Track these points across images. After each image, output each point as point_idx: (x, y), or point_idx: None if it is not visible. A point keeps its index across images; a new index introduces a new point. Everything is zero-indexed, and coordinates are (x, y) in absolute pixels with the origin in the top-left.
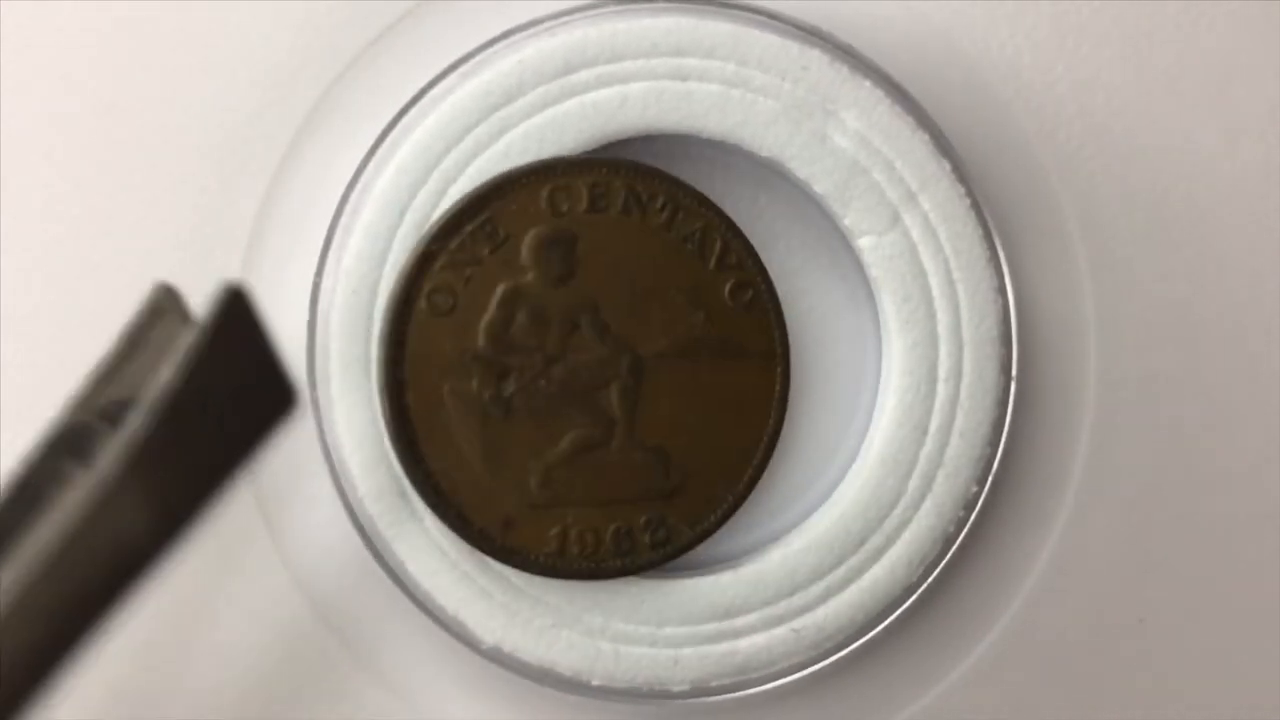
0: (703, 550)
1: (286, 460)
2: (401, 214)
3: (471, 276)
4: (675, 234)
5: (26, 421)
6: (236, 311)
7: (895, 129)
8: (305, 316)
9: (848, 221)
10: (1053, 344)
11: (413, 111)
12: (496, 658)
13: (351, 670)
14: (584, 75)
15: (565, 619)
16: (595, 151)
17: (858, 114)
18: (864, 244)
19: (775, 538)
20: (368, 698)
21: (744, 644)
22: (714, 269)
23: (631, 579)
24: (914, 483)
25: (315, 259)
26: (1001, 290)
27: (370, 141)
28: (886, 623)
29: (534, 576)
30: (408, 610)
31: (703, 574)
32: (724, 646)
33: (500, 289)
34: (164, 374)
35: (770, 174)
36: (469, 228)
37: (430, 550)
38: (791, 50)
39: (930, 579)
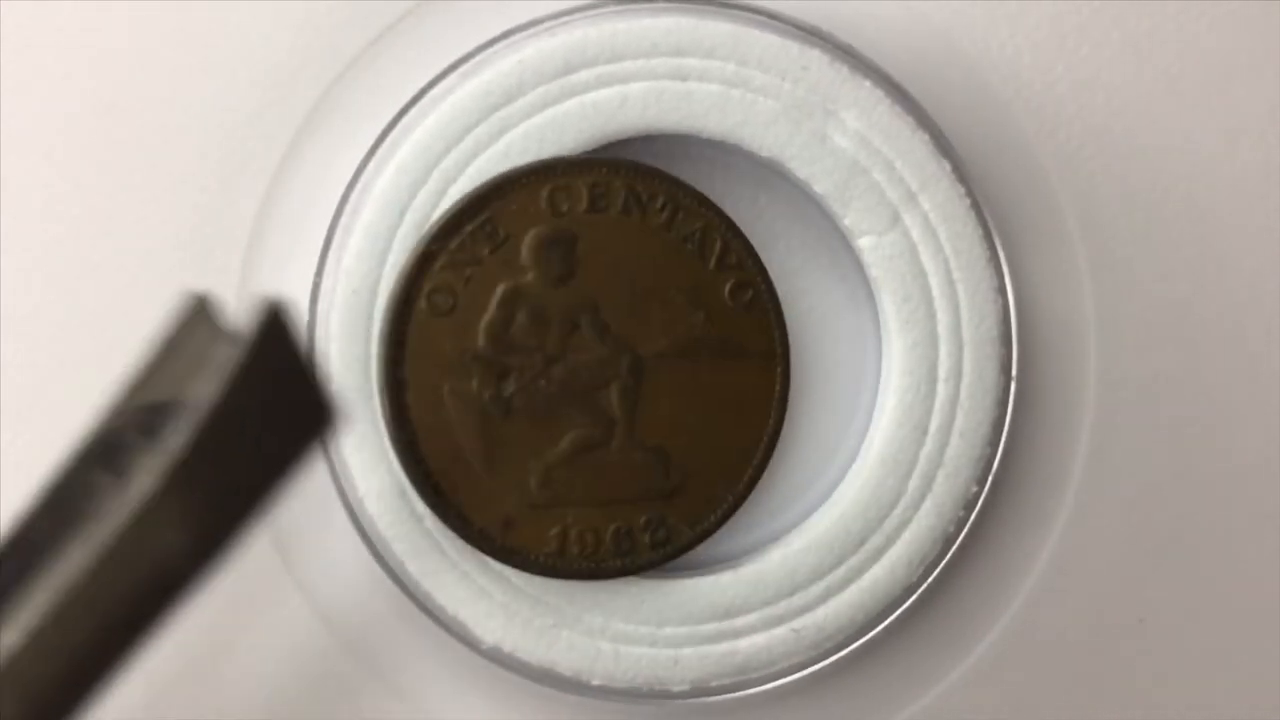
0: (703, 550)
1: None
2: (401, 214)
3: (471, 276)
4: (675, 234)
5: (26, 421)
6: (277, 328)
7: (895, 129)
8: (305, 316)
9: (848, 221)
10: (1053, 344)
11: (413, 111)
12: (496, 658)
13: (351, 670)
14: (584, 75)
15: (565, 619)
16: (595, 151)
17: (858, 114)
18: (864, 244)
19: (775, 538)
20: (367, 697)
21: (744, 644)
22: (714, 269)
23: (631, 579)
24: (914, 483)
25: (315, 259)
26: (1001, 290)
27: (370, 141)
28: (886, 623)
29: (534, 576)
30: (408, 610)
31: (703, 574)
32: (724, 646)
33: (500, 289)
34: (203, 389)
35: (770, 174)
36: (469, 228)
37: (430, 550)
38: (791, 50)
39: (930, 579)
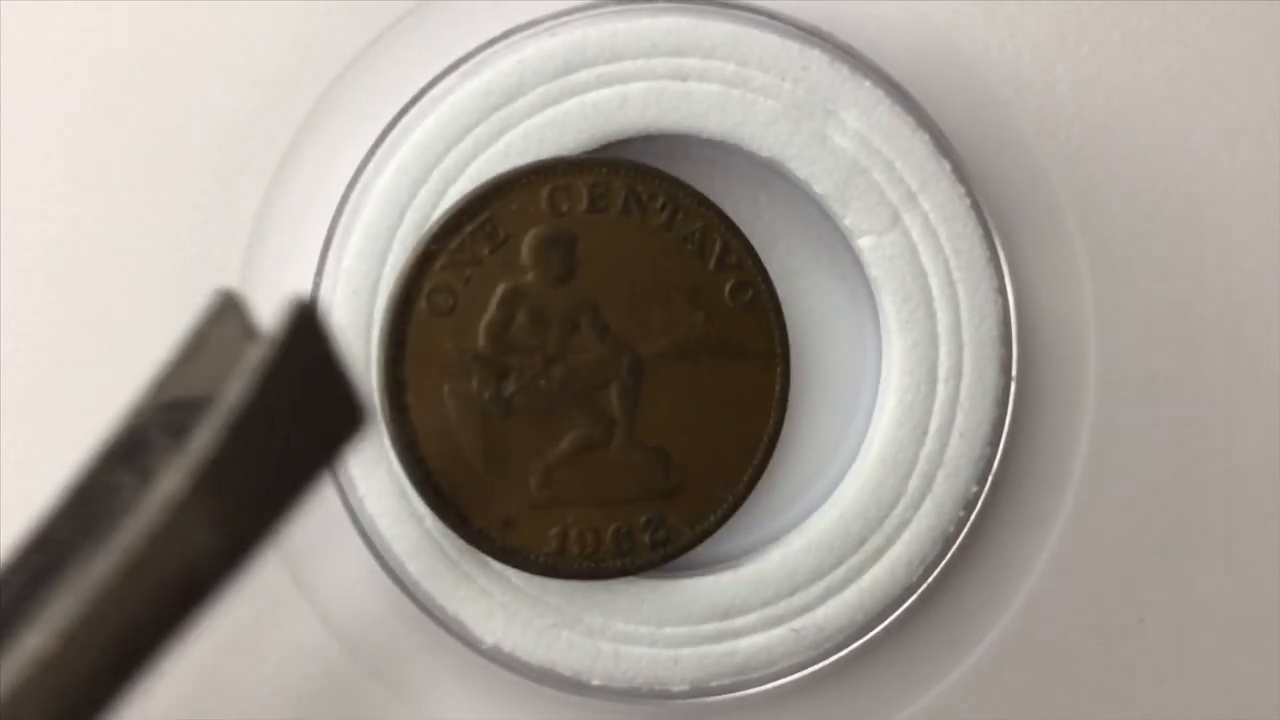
0: (703, 550)
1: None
2: (401, 214)
3: (471, 276)
4: (675, 234)
5: (27, 421)
6: (308, 327)
7: (895, 129)
8: None
9: (848, 221)
10: (1053, 344)
11: (413, 111)
12: (496, 658)
13: (351, 670)
14: (584, 75)
15: (565, 619)
16: (595, 151)
17: (858, 114)
18: (864, 244)
19: (775, 538)
20: (367, 696)
21: (744, 644)
22: (714, 269)
23: (631, 579)
24: (914, 483)
25: (315, 259)
26: (1001, 290)
27: (370, 141)
28: (886, 623)
29: (534, 576)
30: (408, 610)
31: (703, 574)
32: (724, 646)
33: (500, 289)
34: (232, 389)
35: (770, 174)
36: (469, 228)
37: (430, 550)
38: (791, 50)
39: (930, 579)
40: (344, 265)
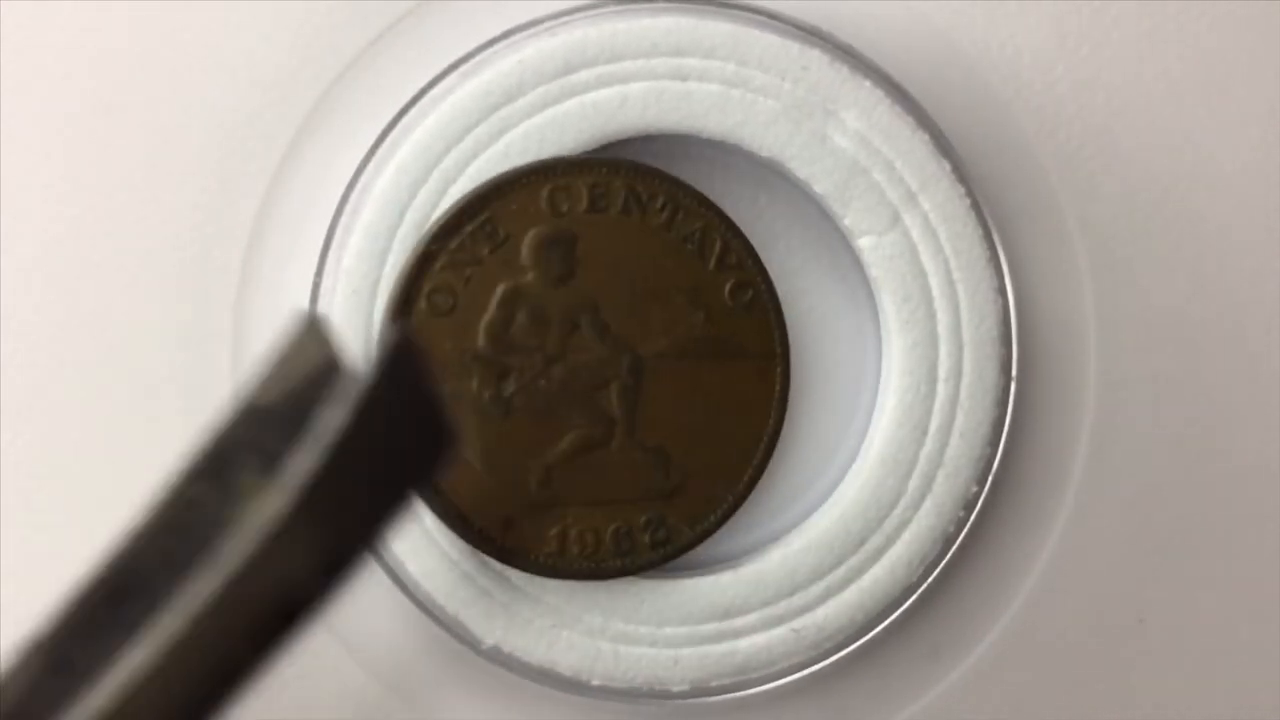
0: (703, 550)
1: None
2: (401, 214)
3: (471, 276)
4: (675, 234)
5: (26, 421)
6: (407, 358)
7: (895, 129)
8: None
9: (848, 221)
10: (1053, 344)
11: (413, 111)
12: (496, 658)
13: (351, 669)
14: (584, 75)
15: (565, 619)
16: (595, 151)
17: (858, 114)
18: (864, 244)
19: (775, 538)
20: (367, 697)
21: (744, 644)
22: (714, 269)
23: (631, 579)
24: (914, 483)
25: (315, 259)
26: (1001, 290)
27: (370, 141)
28: (886, 623)
29: (534, 576)
30: (408, 610)
31: (703, 574)
32: (724, 646)
33: (500, 289)
34: (332, 415)
35: (770, 174)
36: (469, 228)
37: (430, 550)
38: (791, 50)
39: (930, 579)
40: (344, 265)
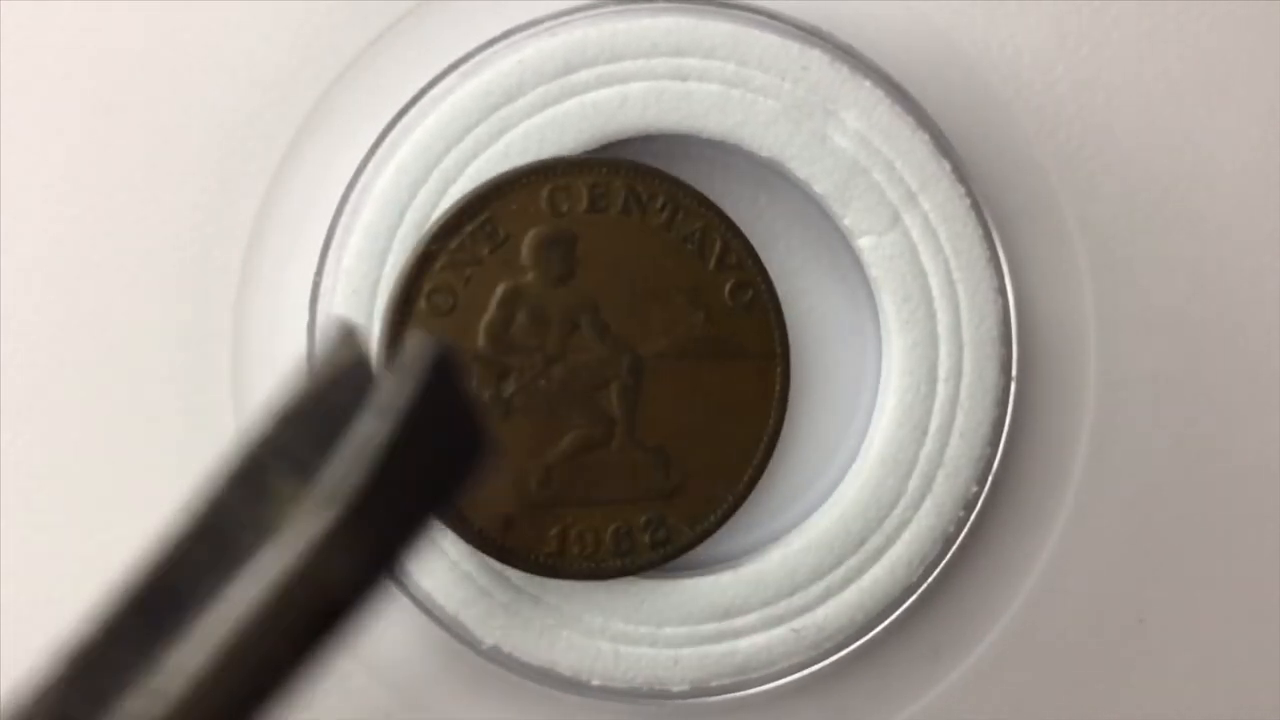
0: (703, 550)
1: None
2: (401, 214)
3: (471, 276)
4: (675, 234)
5: (26, 421)
6: (446, 369)
7: (895, 129)
8: (305, 316)
9: (848, 221)
10: (1053, 344)
11: (413, 111)
12: (496, 658)
13: (351, 670)
14: (584, 75)
15: (565, 619)
16: (595, 151)
17: (858, 114)
18: (864, 244)
19: (775, 538)
20: (367, 697)
21: (744, 644)
22: (714, 269)
23: (631, 579)
24: (914, 483)
25: (315, 259)
26: (1001, 290)
27: (370, 141)
28: (886, 623)
29: (534, 576)
30: (408, 610)
31: (703, 574)
32: (724, 646)
33: (500, 289)
34: (372, 426)
35: (770, 174)
36: (469, 228)
37: (430, 550)
38: (791, 50)
39: (930, 579)
40: (344, 265)
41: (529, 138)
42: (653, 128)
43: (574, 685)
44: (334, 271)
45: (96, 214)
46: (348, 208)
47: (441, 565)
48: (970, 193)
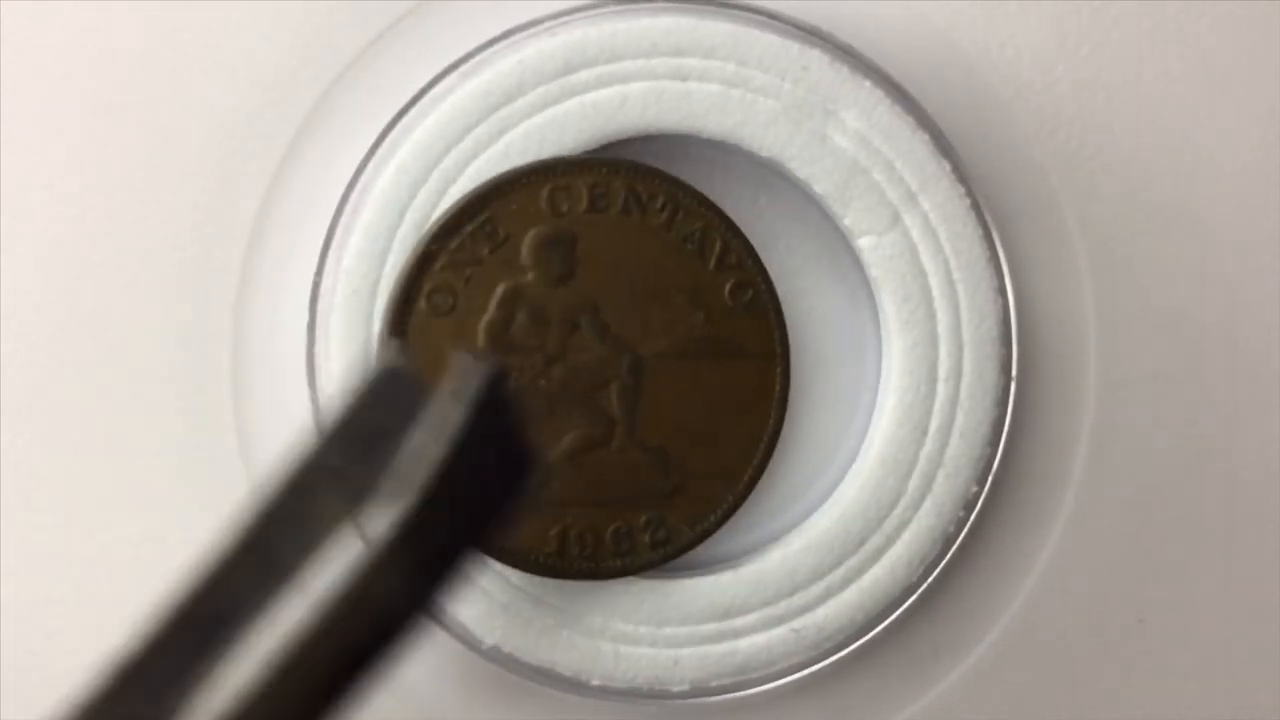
0: (703, 550)
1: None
2: (401, 214)
3: (471, 276)
4: (675, 234)
5: (26, 421)
6: (498, 392)
7: (895, 129)
8: (305, 317)
9: (848, 221)
10: (1053, 344)
11: (413, 111)
12: (496, 658)
13: None
14: (584, 75)
15: (565, 619)
16: (595, 151)
17: (858, 114)
18: (864, 244)
19: (775, 538)
20: (367, 697)
21: (744, 644)
22: (714, 269)
23: (631, 579)
24: (914, 483)
25: (315, 259)
26: (1001, 290)
27: (370, 141)
28: (886, 623)
29: (534, 576)
30: None
31: (703, 574)
32: (724, 646)
33: (500, 289)
34: (427, 447)
35: (770, 174)
36: (469, 228)
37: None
38: (791, 50)
39: (930, 579)
40: (344, 265)
41: (529, 138)
42: (653, 128)
43: (574, 685)
44: (334, 271)
45: (96, 214)
46: (348, 208)
47: None
48: (970, 193)
